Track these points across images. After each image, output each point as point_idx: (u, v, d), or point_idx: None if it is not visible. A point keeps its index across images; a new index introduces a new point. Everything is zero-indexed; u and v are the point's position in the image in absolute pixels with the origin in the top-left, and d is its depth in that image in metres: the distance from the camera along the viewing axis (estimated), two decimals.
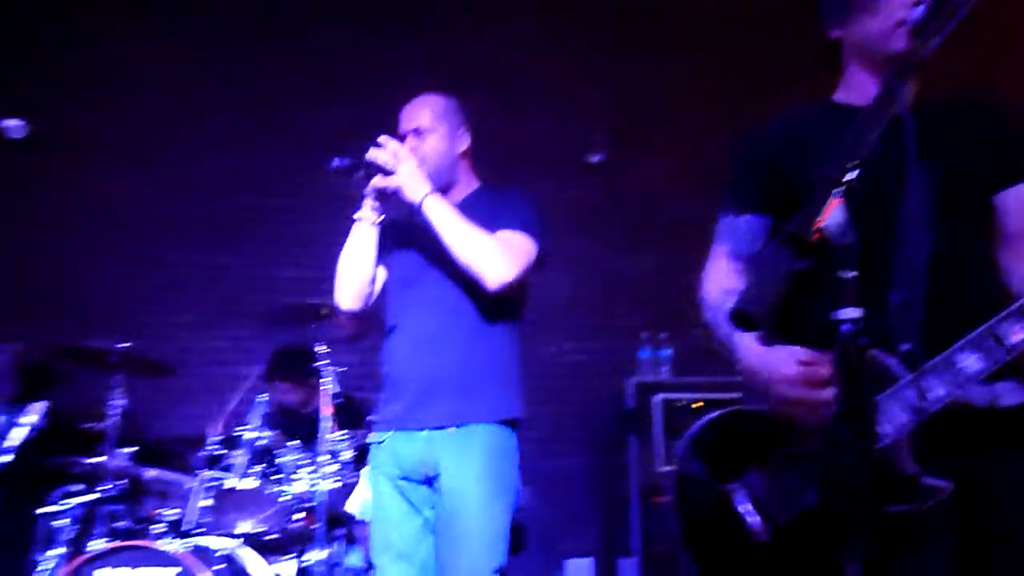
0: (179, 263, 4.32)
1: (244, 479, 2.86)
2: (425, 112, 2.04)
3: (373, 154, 1.88)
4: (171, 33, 4.59)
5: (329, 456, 2.85)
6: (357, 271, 2.03)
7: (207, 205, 4.40)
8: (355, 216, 2.01)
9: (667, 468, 3.79)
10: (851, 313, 0.81)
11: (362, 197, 1.98)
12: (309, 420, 3.08)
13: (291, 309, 3.26)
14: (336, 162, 1.88)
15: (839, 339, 0.81)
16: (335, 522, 2.84)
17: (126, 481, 2.91)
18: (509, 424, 1.92)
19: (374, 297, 2.08)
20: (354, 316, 2.08)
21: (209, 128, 4.49)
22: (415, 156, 1.93)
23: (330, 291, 3.82)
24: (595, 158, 4.68)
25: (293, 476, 2.87)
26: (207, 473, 2.86)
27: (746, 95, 4.28)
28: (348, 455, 2.91)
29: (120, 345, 2.96)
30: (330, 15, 4.71)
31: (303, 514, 2.83)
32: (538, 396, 4.16)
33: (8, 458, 2.81)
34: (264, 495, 2.85)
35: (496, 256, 1.86)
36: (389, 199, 1.97)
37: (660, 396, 3.91)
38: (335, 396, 2.97)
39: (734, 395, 3.92)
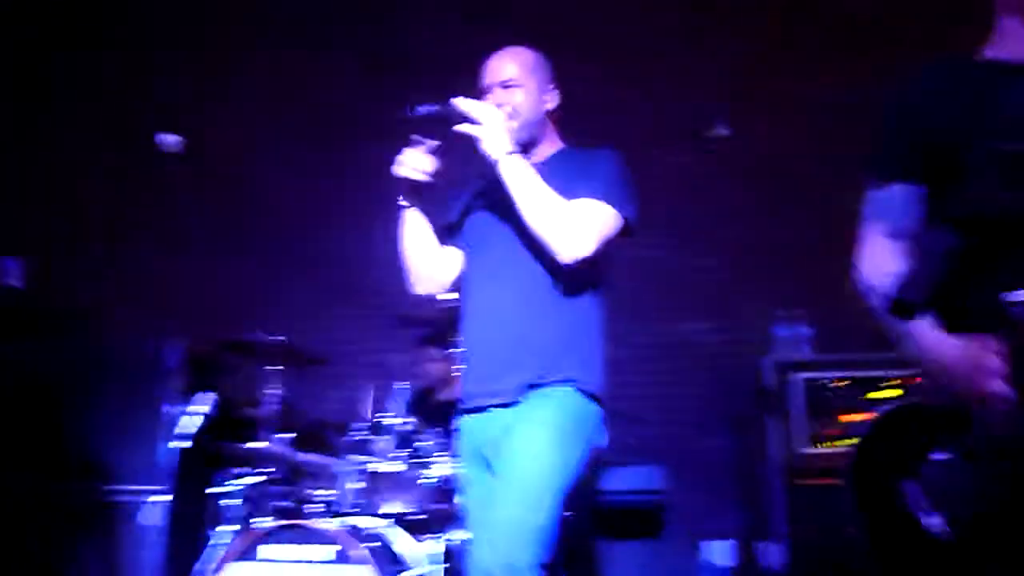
0: (326, 257, 4.54)
1: (390, 463, 3.00)
2: (513, 64, 1.92)
3: (459, 102, 1.79)
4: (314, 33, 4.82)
5: None
6: (416, 255, 1.96)
7: (353, 198, 4.56)
8: (400, 202, 1.94)
9: (810, 450, 3.64)
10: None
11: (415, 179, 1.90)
12: (447, 407, 3.18)
13: (415, 310, 3.37)
14: (418, 109, 1.78)
15: (1011, 322, 0.75)
16: None
17: (285, 464, 3.12)
18: (587, 395, 1.77)
19: (454, 274, 2.01)
20: (427, 298, 2.03)
21: (355, 119, 4.68)
22: (502, 111, 1.83)
23: None
24: (717, 130, 4.52)
25: (434, 460, 2.97)
26: (356, 457, 3.02)
27: (875, 55, 4.02)
28: None
29: (276, 337, 3.17)
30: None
31: (445, 495, 2.93)
32: (670, 377, 4.18)
33: (185, 444, 3.07)
34: (409, 478, 2.98)
35: (571, 229, 1.72)
36: (424, 190, 1.91)
37: (800, 375, 3.75)
38: None
39: (878, 373, 3.70)
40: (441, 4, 4.87)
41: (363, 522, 2.86)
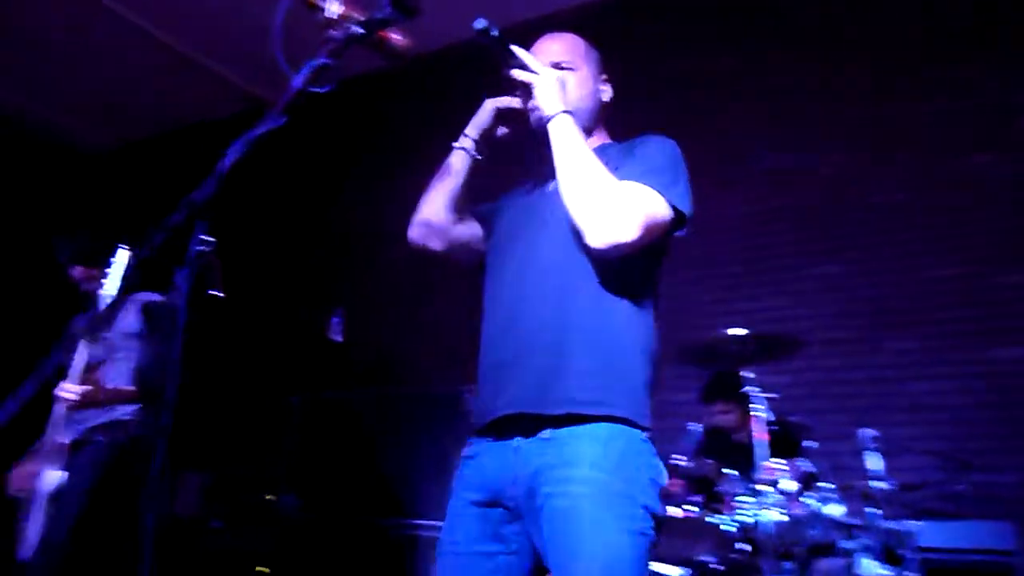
0: None
1: (684, 507, 2.98)
2: (565, 46, 1.80)
3: (520, 51, 1.67)
4: None
5: (769, 486, 2.83)
6: (441, 199, 1.82)
7: None
8: (455, 144, 1.82)
9: None
10: None
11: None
12: (744, 447, 3.11)
13: (709, 346, 3.33)
14: (482, 23, 1.61)
15: None
16: (784, 555, 2.80)
17: None
18: (620, 423, 1.49)
19: (455, 242, 1.84)
20: (419, 248, 1.85)
21: None
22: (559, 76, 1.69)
23: (744, 316, 3.80)
24: None
25: (734, 506, 2.90)
26: None
27: None
28: (789, 485, 2.85)
29: None
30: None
31: (747, 545, 2.84)
32: (1004, 413, 3.64)
33: None
34: (705, 525, 2.94)
35: (612, 207, 1.50)
36: (503, 125, 1.79)
37: None
38: (769, 423, 2.95)
39: None
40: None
41: (659, 569, 2.88)
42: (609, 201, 1.51)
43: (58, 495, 2.83)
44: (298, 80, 1.24)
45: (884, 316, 3.97)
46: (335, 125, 5.96)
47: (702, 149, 4.65)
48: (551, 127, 1.62)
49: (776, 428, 3.08)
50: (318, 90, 1.27)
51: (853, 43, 4.45)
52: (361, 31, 1.31)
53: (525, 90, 1.67)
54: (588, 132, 1.76)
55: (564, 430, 1.48)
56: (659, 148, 1.66)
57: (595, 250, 1.52)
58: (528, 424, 1.51)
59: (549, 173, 1.69)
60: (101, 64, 6.02)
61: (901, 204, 4.09)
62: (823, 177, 4.30)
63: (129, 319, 3.26)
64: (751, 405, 3.06)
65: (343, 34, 1.32)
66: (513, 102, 1.78)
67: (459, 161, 1.82)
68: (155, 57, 5.89)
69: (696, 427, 3.16)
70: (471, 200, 1.87)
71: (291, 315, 5.66)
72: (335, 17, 1.32)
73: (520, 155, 1.81)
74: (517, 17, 4.73)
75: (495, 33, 1.61)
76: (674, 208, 1.57)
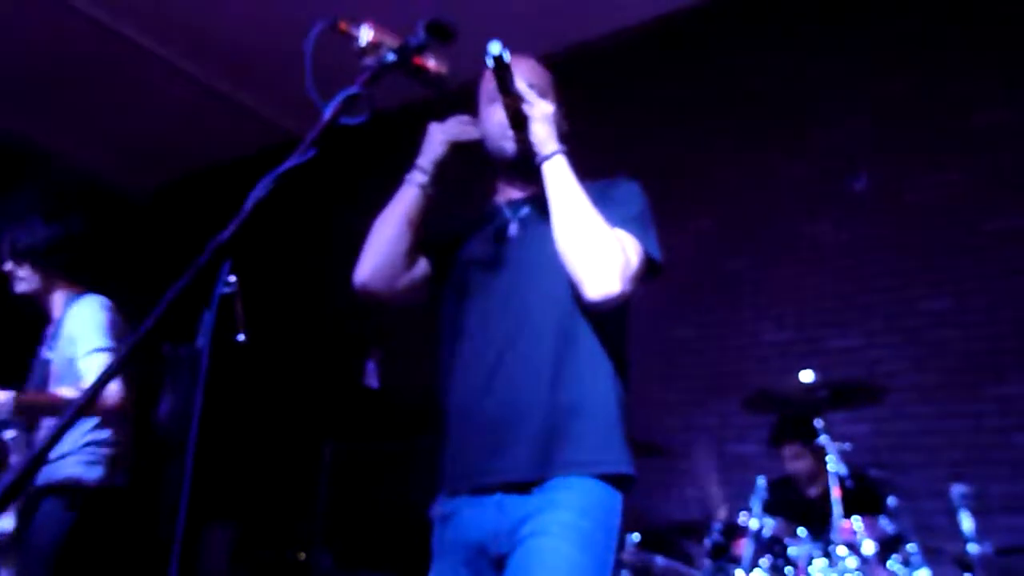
0: (664, 339, 4.59)
1: (752, 571, 2.91)
2: (539, 73, 1.82)
3: (521, 83, 1.66)
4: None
5: (847, 548, 2.75)
6: (386, 238, 1.76)
7: (690, 273, 4.47)
8: (408, 177, 1.79)
9: None
10: None
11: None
12: (818, 504, 3.03)
13: (769, 393, 3.28)
14: (498, 46, 1.56)
15: None
16: None
17: (633, 568, 3.19)
18: (611, 482, 1.57)
19: (406, 286, 1.79)
20: (368, 295, 1.78)
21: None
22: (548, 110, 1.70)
23: (818, 357, 3.74)
24: None
25: (808, 569, 2.82)
26: (713, 563, 2.98)
27: None
28: (870, 547, 2.76)
29: None
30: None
31: None
32: None
33: None
34: None
35: (610, 261, 1.56)
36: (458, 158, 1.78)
37: None
38: (844, 477, 2.87)
39: None
40: None
41: None
42: (607, 254, 1.57)
43: (12, 548, 2.62)
44: (329, 111, 1.26)
45: (986, 358, 3.75)
46: (369, 161, 6.05)
47: (788, 166, 4.61)
48: (548, 168, 1.65)
49: (855, 483, 2.99)
50: (350, 121, 1.29)
51: (972, 44, 4.17)
52: (395, 58, 1.34)
53: (517, 121, 1.67)
54: None
55: (551, 481, 1.55)
56: (634, 195, 1.73)
57: (590, 302, 1.58)
58: (516, 483, 1.57)
59: (514, 208, 1.77)
60: (129, 102, 6.23)
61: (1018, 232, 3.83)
62: (930, 201, 4.05)
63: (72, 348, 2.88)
64: (826, 457, 2.99)
65: (377, 62, 1.35)
66: (471, 133, 1.81)
67: (413, 197, 1.78)
68: (186, 93, 6.08)
69: (762, 482, 3.08)
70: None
71: (325, 359, 5.72)
72: (368, 45, 1.35)
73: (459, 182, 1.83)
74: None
75: (506, 63, 1.59)
76: (650, 258, 1.66)
